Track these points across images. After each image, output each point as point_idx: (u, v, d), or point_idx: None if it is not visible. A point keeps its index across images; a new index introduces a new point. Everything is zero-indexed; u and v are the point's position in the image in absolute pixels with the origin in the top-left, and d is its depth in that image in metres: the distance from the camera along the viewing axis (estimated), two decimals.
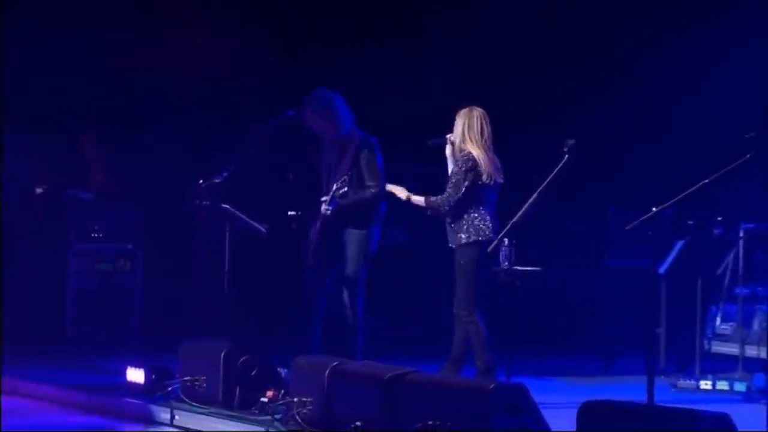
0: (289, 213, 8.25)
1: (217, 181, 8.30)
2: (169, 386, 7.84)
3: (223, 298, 8.40)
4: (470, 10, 10.72)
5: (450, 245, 7.85)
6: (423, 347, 9.32)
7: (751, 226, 8.75)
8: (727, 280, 8.98)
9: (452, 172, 7.86)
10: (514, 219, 7.06)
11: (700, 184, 6.71)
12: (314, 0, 10.62)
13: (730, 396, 8.46)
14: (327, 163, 8.20)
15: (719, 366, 8.85)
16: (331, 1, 10.62)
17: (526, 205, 7.08)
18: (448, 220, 7.85)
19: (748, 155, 6.77)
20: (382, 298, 9.57)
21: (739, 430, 5.79)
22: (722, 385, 8.65)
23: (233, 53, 10.35)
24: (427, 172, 9.30)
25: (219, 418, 7.49)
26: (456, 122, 7.88)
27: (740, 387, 8.57)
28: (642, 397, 6.70)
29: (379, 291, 9.13)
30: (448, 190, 7.81)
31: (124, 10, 10.38)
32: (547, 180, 7.02)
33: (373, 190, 8.00)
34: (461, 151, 7.84)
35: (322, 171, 8.20)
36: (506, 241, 7.13)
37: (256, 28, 10.42)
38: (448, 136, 7.92)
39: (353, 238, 8.00)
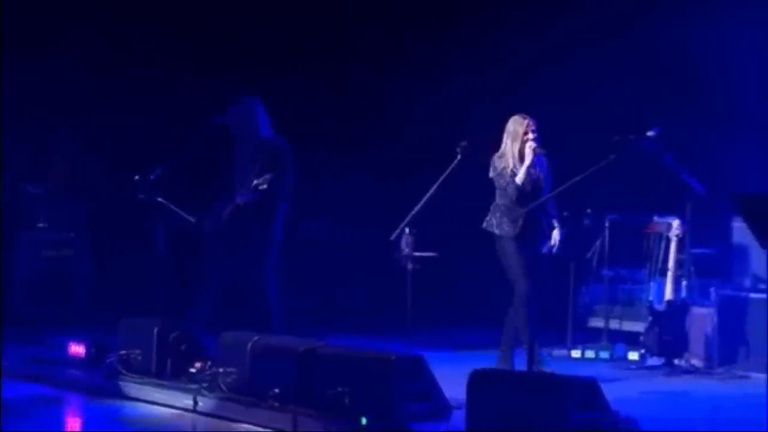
0: (212, 204, 8.25)
1: (152, 177, 8.26)
2: (108, 359, 7.79)
3: (159, 280, 8.37)
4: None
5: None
6: (334, 323, 9.34)
7: (615, 216, 9.05)
8: (595, 263, 9.25)
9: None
10: (413, 211, 7.13)
11: (572, 180, 6.84)
12: (244, 11, 10.48)
13: (596, 363, 8.67)
14: (241, 162, 8.21)
15: (588, 337, 9.02)
16: (260, 12, 10.50)
17: (424, 199, 7.15)
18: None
19: (612, 156, 6.92)
20: (300, 281, 9.57)
21: (603, 391, 5.95)
22: (590, 354, 8.87)
23: (172, 55, 10.23)
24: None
25: (152, 387, 7.46)
26: (527, 127, 7.70)
27: (604, 355, 8.80)
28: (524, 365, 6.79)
29: (297, 274, 9.16)
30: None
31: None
32: (442, 177, 7.10)
33: (281, 188, 8.01)
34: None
35: (236, 170, 8.22)
36: (407, 230, 7.18)
37: (193, 32, 10.28)
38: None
39: (262, 227, 8.02)
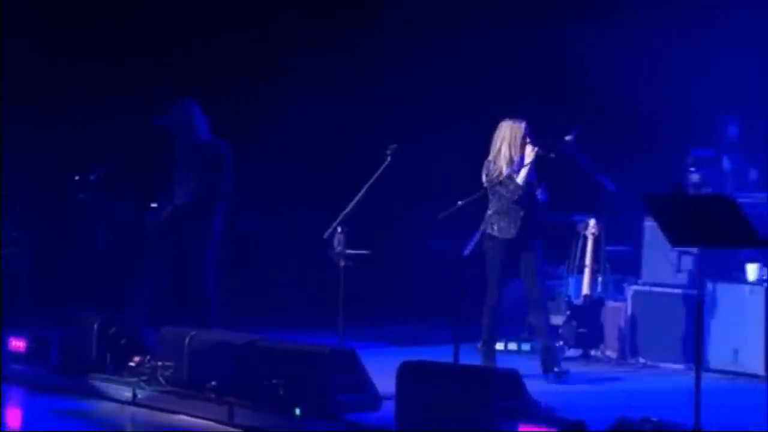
0: (152, 205, 8.21)
1: (91, 177, 8.20)
2: (49, 354, 7.73)
3: (99, 277, 8.32)
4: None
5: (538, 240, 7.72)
6: (270, 319, 9.33)
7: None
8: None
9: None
10: (345, 211, 7.16)
11: (496, 181, 6.93)
12: (182, 12, 10.36)
13: (518, 355, 8.78)
14: (179, 163, 8.18)
15: (511, 330, 9.11)
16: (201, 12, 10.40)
17: (356, 199, 7.19)
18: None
19: (530, 161, 7.01)
20: (237, 277, 9.54)
21: (525, 381, 6.05)
22: (512, 346, 8.97)
23: (112, 55, 10.10)
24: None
25: (93, 380, 7.42)
26: (525, 131, 7.56)
27: (526, 347, 8.91)
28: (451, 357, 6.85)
29: (234, 271, 9.13)
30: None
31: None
32: (373, 178, 7.14)
33: (219, 189, 8.01)
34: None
35: (175, 170, 8.19)
36: (339, 228, 7.21)
37: (133, 32, 10.15)
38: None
39: (201, 227, 8.01)
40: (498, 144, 7.55)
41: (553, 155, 7.49)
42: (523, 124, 7.51)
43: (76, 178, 8.18)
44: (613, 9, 9.48)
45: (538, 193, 7.60)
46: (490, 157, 7.57)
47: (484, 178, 7.55)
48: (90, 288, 8.41)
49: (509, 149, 7.50)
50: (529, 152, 7.47)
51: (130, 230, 8.60)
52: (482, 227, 7.56)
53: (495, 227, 7.54)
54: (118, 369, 7.42)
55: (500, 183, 7.50)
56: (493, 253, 7.56)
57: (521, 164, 7.49)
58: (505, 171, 7.49)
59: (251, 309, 8.57)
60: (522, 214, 7.51)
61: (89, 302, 8.47)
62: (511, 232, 7.51)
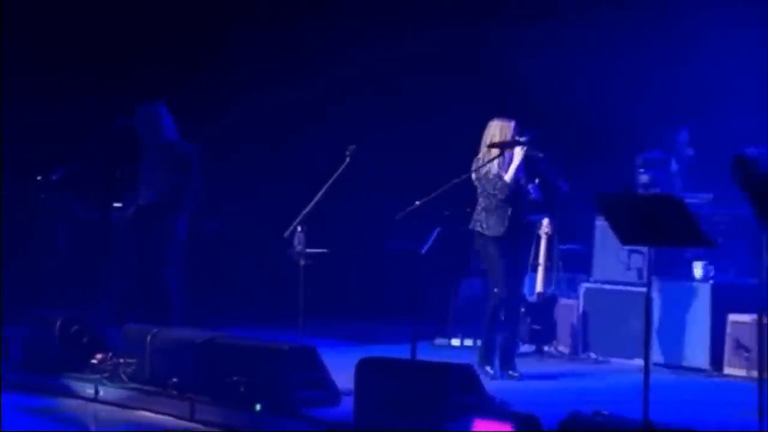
0: (115, 204, 8.17)
1: (54, 177, 8.14)
2: (12, 352, 7.67)
3: (61, 275, 8.27)
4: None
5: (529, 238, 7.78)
6: (231, 316, 9.32)
7: None
8: (473, 258, 9.37)
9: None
10: (304, 211, 7.16)
11: (452, 182, 6.95)
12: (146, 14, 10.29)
13: (474, 350, 8.79)
14: (146, 163, 8.15)
15: (467, 327, 9.16)
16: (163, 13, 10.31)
17: (316, 199, 7.19)
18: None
19: (491, 159, 7.06)
20: (200, 276, 9.50)
21: (479, 377, 6.08)
22: (468, 342, 9.03)
23: (75, 55, 10.01)
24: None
25: (55, 377, 7.37)
26: (513, 130, 7.50)
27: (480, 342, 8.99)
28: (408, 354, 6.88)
29: (197, 269, 9.07)
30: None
31: None
32: (332, 178, 7.15)
33: (185, 190, 8.00)
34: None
35: (141, 170, 8.15)
36: (299, 228, 7.21)
37: (97, 32, 10.05)
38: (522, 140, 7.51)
39: (165, 227, 7.98)
40: (487, 142, 7.50)
41: (541, 155, 7.48)
42: (511, 123, 7.47)
43: (39, 178, 8.12)
44: (567, 13, 9.56)
45: (531, 190, 7.55)
46: (480, 155, 7.53)
47: (473, 176, 7.51)
48: (53, 287, 8.35)
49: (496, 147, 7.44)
50: (518, 151, 7.44)
51: (92, 230, 8.56)
52: (471, 225, 7.56)
53: (484, 225, 7.51)
54: (80, 367, 7.37)
55: (489, 180, 7.48)
56: (485, 250, 7.53)
57: (510, 162, 7.46)
58: (495, 169, 7.47)
59: (214, 307, 8.56)
60: (510, 212, 7.48)
61: (52, 301, 8.42)
62: (499, 230, 7.48)
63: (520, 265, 7.67)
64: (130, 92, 9.00)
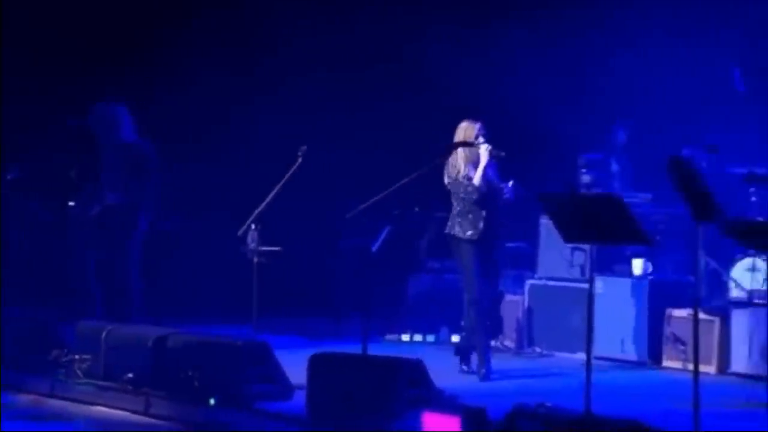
0: (70, 203, 8.10)
1: (9, 177, 8.06)
2: None
3: (18, 273, 8.18)
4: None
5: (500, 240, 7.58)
6: (186, 313, 9.25)
7: (440, 214, 9.18)
8: (423, 256, 9.44)
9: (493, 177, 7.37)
10: (258, 210, 7.16)
11: (402, 182, 6.95)
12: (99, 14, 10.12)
13: (423, 345, 8.86)
14: (105, 163, 8.08)
15: (416, 322, 9.18)
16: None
17: (269, 198, 7.19)
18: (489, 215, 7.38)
19: (437, 160, 7.04)
20: (155, 272, 9.42)
21: (429, 371, 6.12)
22: (418, 337, 9.07)
23: (29, 55, 9.84)
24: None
25: (11, 374, 7.28)
26: (478, 131, 7.36)
27: (430, 338, 9.02)
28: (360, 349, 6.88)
29: (153, 266, 9.01)
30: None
31: None
32: (285, 178, 7.15)
33: (146, 190, 7.95)
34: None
35: (102, 170, 8.09)
36: (253, 226, 7.20)
37: (51, 31, 9.87)
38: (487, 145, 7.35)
39: (127, 227, 7.94)
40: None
41: (503, 154, 7.36)
42: (477, 125, 7.35)
43: None
44: (512, 13, 9.60)
45: (506, 191, 7.40)
46: (450, 158, 7.40)
47: (446, 179, 7.41)
48: (9, 285, 8.25)
49: (464, 151, 7.33)
50: (483, 152, 7.29)
51: (49, 228, 8.47)
52: (447, 229, 7.46)
53: (457, 228, 7.38)
54: (36, 363, 7.30)
55: (459, 183, 7.36)
56: (459, 253, 7.40)
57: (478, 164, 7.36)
58: (463, 171, 7.36)
59: (168, 304, 8.50)
60: (484, 214, 7.33)
61: (8, 299, 8.30)
62: (473, 234, 7.31)
63: (493, 267, 7.55)
64: (78, 91, 8.89)
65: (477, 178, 7.32)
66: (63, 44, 9.81)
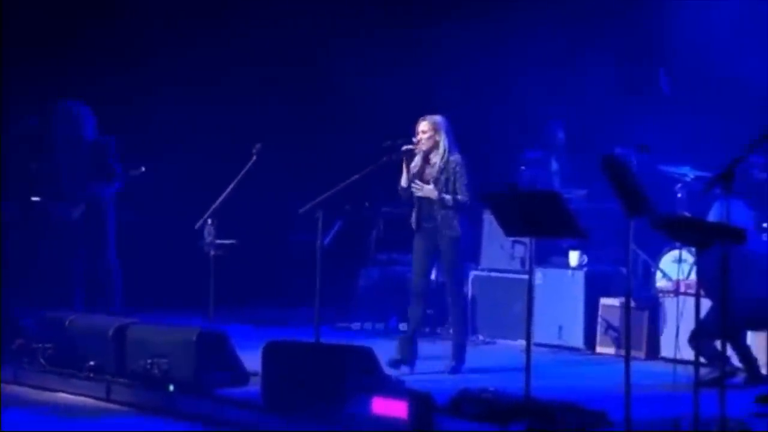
0: (32, 198, 8.00)
1: None
2: None
3: None
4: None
5: (447, 235, 7.09)
6: (145, 304, 9.17)
7: (388, 209, 9.26)
8: (372, 248, 9.45)
9: (456, 175, 7.01)
10: (214, 205, 7.12)
11: (352, 178, 6.95)
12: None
13: (373, 334, 8.86)
14: (67, 162, 7.98)
15: (367, 312, 9.19)
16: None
17: (225, 193, 7.15)
18: (451, 215, 7.04)
19: (384, 158, 7.01)
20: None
21: (378, 358, 6.14)
22: (368, 326, 9.08)
23: None
24: None
25: None
26: (436, 131, 7.04)
27: (379, 326, 9.02)
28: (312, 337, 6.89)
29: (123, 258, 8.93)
30: (464, 190, 7.00)
31: None
32: (240, 174, 7.11)
33: (112, 185, 7.90)
34: (448, 156, 7.04)
35: (64, 169, 7.99)
36: (209, 220, 7.16)
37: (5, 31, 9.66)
38: (410, 146, 7.05)
39: (102, 222, 7.90)
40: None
41: (410, 147, 7.13)
42: (421, 122, 7.13)
43: None
44: (452, 13, 9.61)
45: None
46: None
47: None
48: None
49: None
50: (404, 149, 7.08)
51: (13, 225, 8.36)
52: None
53: (412, 220, 7.26)
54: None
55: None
56: (413, 244, 7.29)
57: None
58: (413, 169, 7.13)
59: (130, 295, 8.42)
60: (415, 211, 7.15)
61: None
62: (419, 225, 7.17)
63: (430, 261, 7.29)
64: (29, 89, 8.74)
65: (402, 180, 7.13)
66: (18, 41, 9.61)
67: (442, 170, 7.08)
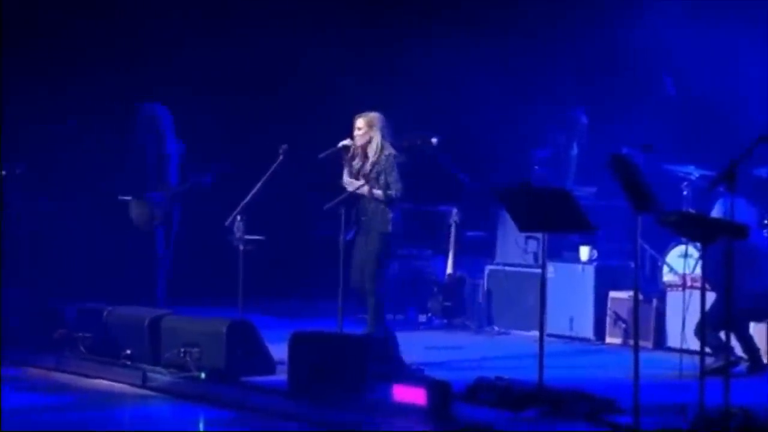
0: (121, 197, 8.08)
1: (17, 171, 8.00)
2: None
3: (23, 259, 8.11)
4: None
5: (376, 229, 6.79)
6: (178, 296, 9.21)
7: (407, 205, 9.19)
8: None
9: (386, 170, 6.76)
10: (244, 201, 7.13)
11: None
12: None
13: (391, 324, 8.68)
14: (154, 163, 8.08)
15: (386, 303, 9.12)
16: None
17: (253, 191, 7.15)
18: (382, 210, 6.78)
19: (402, 157, 6.94)
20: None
21: (397, 348, 6.12)
22: (388, 316, 8.97)
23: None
24: None
25: (20, 350, 7.25)
26: (371, 127, 6.83)
27: (399, 317, 8.85)
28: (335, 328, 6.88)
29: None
30: (397, 185, 6.73)
31: None
32: (267, 174, 7.11)
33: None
34: (382, 151, 6.81)
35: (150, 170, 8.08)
36: (239, 217, 7.17)
37: None
38: (345, 142, 6.84)
39: (169, 215, 8.03)
40: None
41: (327, 152, 6.88)
42: (356, 119, 6.89)
43: (3, 173, 7.97)
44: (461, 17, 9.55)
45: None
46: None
47: None
48: (14, 270, 8.17)
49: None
50: (340, 146, 6.87)
51: (49, 220, 8.41)
52: None
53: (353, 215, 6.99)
54: (41, 342, 7.26)
55: None
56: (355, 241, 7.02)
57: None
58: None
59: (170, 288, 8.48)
60: (365, 203, 6.87)
61: (13, 283, 8.22)
62: (358, 220, 6.90)
63: (361, 257, 6.88)
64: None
65: (344, 178, 6.90)
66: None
67: (374, 165, 6.85)
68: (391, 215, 6.83)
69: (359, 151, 6.88)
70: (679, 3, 8.67)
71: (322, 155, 6.86)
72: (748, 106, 8.15)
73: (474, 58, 9.49)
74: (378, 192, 6.81)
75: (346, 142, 6.88)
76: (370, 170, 6.85)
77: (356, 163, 6.93)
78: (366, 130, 6.88)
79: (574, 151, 9.12)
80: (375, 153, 6.85)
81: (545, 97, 9.17)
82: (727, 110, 8.33)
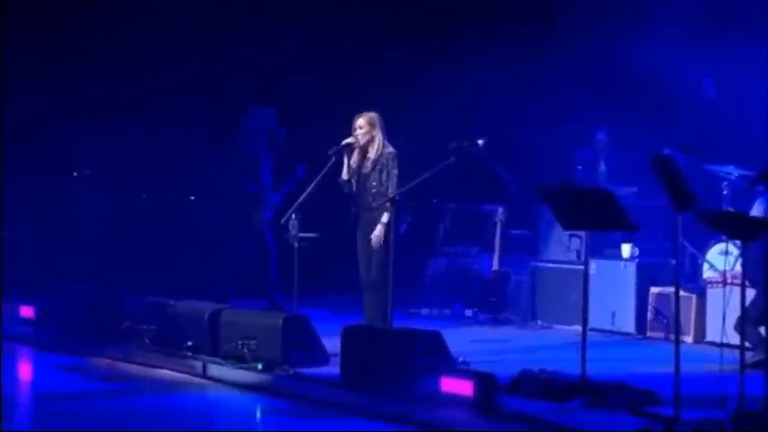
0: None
1: (87, 172, 8.13)
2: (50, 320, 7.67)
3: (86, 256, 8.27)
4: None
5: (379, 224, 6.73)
6: (237, 291, 9.26)
7: (454, 205, 9.23)
8: (439, 241, 9.42)
9: (387, 168, 6.73)
10: (298, 201, 7.15)
11: (421, 178, 6.85)
12: None
13: (440, 318, 8.75)
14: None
15: (435, 298, 9.06)
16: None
17: (307, 191, 7.17)
18: (381, 203, 6.71)
19: (451, 158, 6.95)
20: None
21: (445, 340, 6.13)
22: (435, 311, 8.99)
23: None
24: None
25: (88, 341, 7.38)
26: (372, 126, 6.78)
27: (446, 312, 8.86)
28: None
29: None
30: (393, 182, 6.70)
31: None
32: (320, 175, 7.07)
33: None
34: (384, 148, 6.79)
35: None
36: (294, 216, 7.20)
37: None
38: (349, 140, 6.79)
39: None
40: None
41: (334, 149, 6.81)
42: (357, 119, 6.83)
43: (75, 174, 8.11)
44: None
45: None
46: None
47: None
48: (83, 265, 8.32)
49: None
50: (343, 144, 6.81)
51: (112, 218, 8.53)
52: None
53: (351, 213, 6.97)
54: (109, 333, 7.38)
55: None
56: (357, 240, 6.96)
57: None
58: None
59: (225, 283, 8.54)
60: (353, 207, 6.92)
61: (81, 278, 8.36)
62: (357, 218, 6.91)
63: (364, 253, 6.86)
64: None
65: (343, 174, 6.86)
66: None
67: (376, 162, 6.80)
68: (391, 209, 6.69)
69: (358, 149, 6.84)
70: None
71: (330, 151, 6.85)
72: None
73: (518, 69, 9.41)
74: (385, 220, 6.70)
75: (350, 140, 6.86)
76: (372, 167, 6.83)
77: (353, 161, 6.88)
78: (368, 129, 6.83)
79: (602, 167, 9.06)
80: (377, 150, 6.82)
81: (572, 116, 9.06)
82: (764, 112, 8.17)
